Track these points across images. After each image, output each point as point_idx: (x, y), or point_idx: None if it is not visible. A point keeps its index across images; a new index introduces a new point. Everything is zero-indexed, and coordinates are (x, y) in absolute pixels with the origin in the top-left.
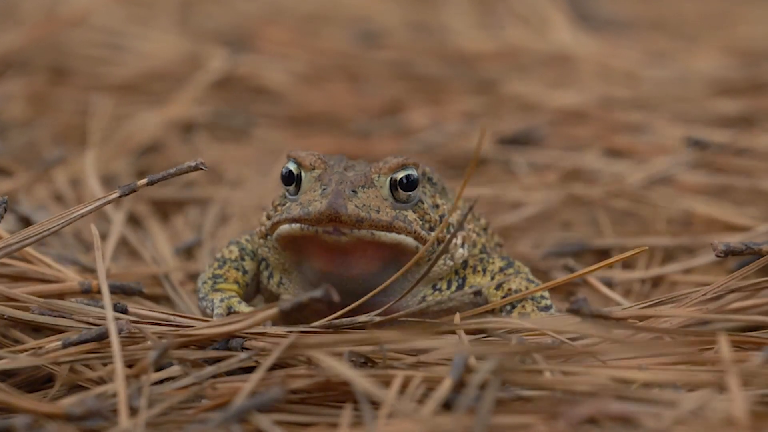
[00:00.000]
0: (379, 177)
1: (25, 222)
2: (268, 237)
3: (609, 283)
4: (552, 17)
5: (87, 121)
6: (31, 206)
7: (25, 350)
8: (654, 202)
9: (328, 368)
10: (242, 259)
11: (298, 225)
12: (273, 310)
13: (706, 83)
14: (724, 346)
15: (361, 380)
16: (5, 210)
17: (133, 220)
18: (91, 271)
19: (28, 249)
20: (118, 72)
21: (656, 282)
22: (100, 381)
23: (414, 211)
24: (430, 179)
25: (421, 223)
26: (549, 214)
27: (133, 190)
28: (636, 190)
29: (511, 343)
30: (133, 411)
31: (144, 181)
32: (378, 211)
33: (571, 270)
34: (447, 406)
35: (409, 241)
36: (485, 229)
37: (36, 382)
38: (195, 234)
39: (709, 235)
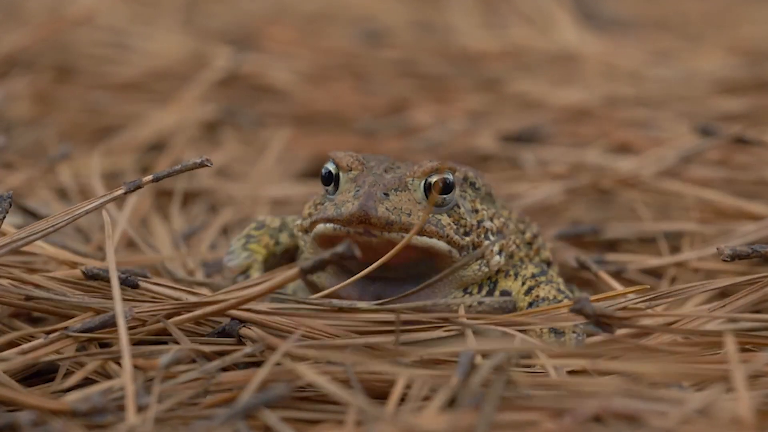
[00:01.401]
0: (413, 180)
1: (32, 216)
2: (308, 233)
3: (621, 271)
4: (556, 17)
5: (92, 119)
6: (36, 201)
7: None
8: (663, 192)
9: (317, 384)
10: (280, 231)
11: (331, 225)
12: (294, 270)
13: (710, 82)
14: (730, 345)
15: (354, 399)
16: (10, 205)
17: (137, 212)
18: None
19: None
20: (124, 71)
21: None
22: (106, 374)
23: (449, 215)
24: (472, 184)
25: (455, 227)
26: (556, 208)
27: (139, 187)
28: (644, 180)
29: (515, 341)
30: (140, 407)
31: (149, 177)
32: (409, 215)
33: (583, 264)
34: (452, 403)
35: (441, 245)
36: (530, 243)
37: (38, 373)
38: (196, 225)
39: (722, 223)
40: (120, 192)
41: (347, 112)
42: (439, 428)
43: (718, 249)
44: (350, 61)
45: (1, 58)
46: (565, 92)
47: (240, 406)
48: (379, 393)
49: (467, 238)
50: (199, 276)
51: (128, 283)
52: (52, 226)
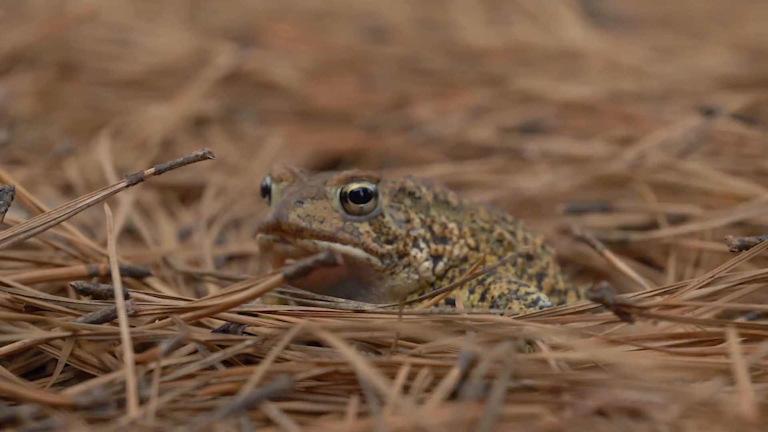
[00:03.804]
0: (330, 189)
1: (38, 209)
2: None
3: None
4: (560, 14)
5: (96, 116)
6: (40, 197)
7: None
8: (669, 178)
9: (340, 354)
10: None
11: (258, 235)
12: (277, 276)
13: (713, 79)
14: (732, 337)
15: (369, 370)
16: (12, 198)
17: (138, 207)
18: (93, 255)
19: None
20: (127, 68)
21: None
22: (106, 368)
23: (370, 224)
24: (411, 194)
25: (375, 236)
26: (559, 198)
27: (141, 180)
28: (649, 167)
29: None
30: (142, 400)
31: (151, 170)
32: (322, 222)
33: (585, 239)
34: (454, 396)
35: (357, 252)
36: (500, 241)
37: (40, 367)
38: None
39: (729, 207)
40: (122, 185)
41: (350, 108)
42: (443, 420)
43: (726, 240)
44: (353, 58)
45: (4, 55)
46: (567, 88)
47: (241, 400)
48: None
49: (388, 246)
50: (209, 267)
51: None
52: (54, 219)
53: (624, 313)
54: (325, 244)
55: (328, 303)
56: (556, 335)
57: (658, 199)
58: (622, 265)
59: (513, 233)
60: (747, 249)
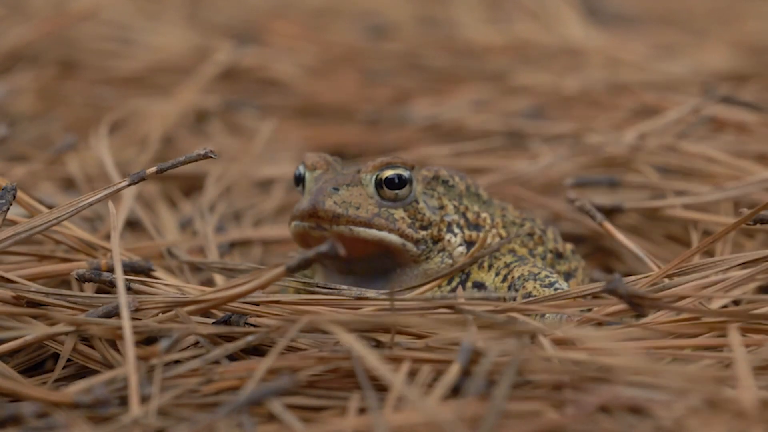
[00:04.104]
0: (366, 176)
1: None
2: None
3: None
4: (561, 11)
5: (97, 113)
6: (41, 193)
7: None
8: (673, 158)
9: (346, 345)
10: None
11: (293, 222)
12: (280, 269)
13: (714, 76)
14: (734, 333)
15: (375, 361)
16: (14, 196)
17: (141, 198)
18: (95, 249)
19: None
20: (128, 65)
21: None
22: (108, 364)
23: (405, 210)
24: (445, 182)
25: (410, 221)
26: (562, 178)
27: (143, 179)
28: (653, 150)
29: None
30: (144, 398)
31: (153, 169)
32: (358, 208)
33: (588, 212)
34: (456, 391)
35: (393, 238)
36: (531, 234)
37: (41, 364)
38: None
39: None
40: (124, 184)
41: (351, 104)
42: (446, 417)
43: (740, 213)
44: (354, 55)
45: (5, 53)
46: (568, 83)
47: (243, 398)
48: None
49: (423, 232)
50: (213, 256)
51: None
52: (56, 218)
53: (636, 304)
54: (361, 229)
55: (331, 291)
56: (559, 329)
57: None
58: (622, 237)
59: (544, 231)
60: (762, 223)
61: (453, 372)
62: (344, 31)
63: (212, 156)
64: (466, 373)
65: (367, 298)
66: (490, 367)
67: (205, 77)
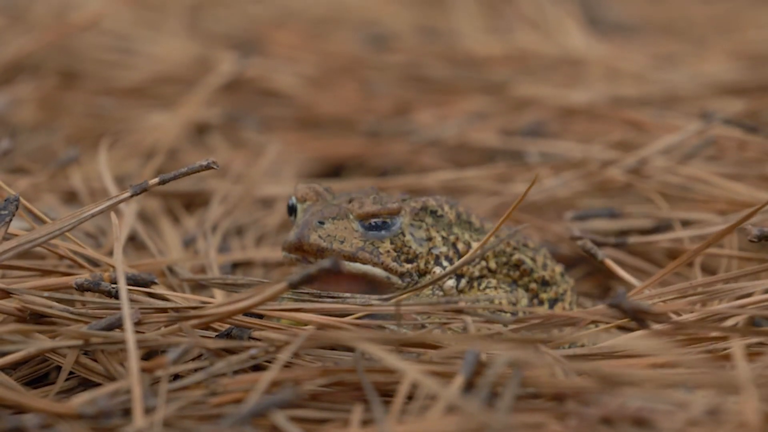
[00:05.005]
0: (351, 215)
1: (45, 216)
2: None
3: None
4: (561, 21)
5: (98, 124)
6: (43, 206)
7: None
8: (673, 184)
9: (377, 357)
10: None
11: (283, 252)
12: (282, 284)
13: (714, 86)
14: (737, 345)
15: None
16: (17, 207)
17: (142, 214)
18: (97, 264)
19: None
20: (129, 76)
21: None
22: (111, 376)
23: (391, 242)
24: (433, 212)
25: (395, 255)
26: (562, 202)
27: (145, 190)
28: (652, 172)
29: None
30: (148, 410)
31: (155, 180)
32: (342, 242)
33: (589, 251)
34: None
35: (377, 271)
36: (517, 266)
37: (44, 376)
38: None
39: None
40: (126, 195)
41: (352, 115)
42: (450, 429)
43: (745, 229)
44: (355, 66)
45: (6, 63)
46: (569, 93)
47: (246, 410)
48: (385, 390)
49: (408, 265)
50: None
51: (142, 283)
52: (59, 229)
53: (641, 319)
54: (345, 263)
55: (335, 299)
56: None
57: (663, 204)
58: (625, 273)
59: (534, 259)
60: (767, 240)
61: (456, 384)
62: (345, 40)
63: (214, 167)
64: (469, 384)
65: (371, 305)
66: (492, 379)
67: (208, 89)
